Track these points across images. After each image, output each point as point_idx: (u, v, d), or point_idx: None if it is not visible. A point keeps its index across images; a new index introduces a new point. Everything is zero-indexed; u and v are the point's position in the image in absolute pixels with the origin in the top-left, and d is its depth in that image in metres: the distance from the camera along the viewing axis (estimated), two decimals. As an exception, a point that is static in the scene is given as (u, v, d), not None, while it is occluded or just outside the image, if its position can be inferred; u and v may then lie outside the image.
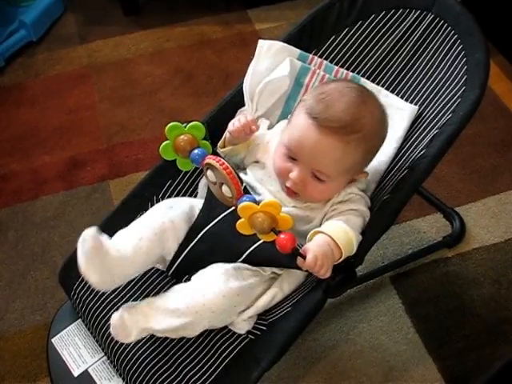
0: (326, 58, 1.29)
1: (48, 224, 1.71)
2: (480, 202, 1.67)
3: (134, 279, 1.18)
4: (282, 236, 0.94)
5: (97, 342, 1.18)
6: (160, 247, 1.10)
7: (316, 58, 1.27)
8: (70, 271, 1.23)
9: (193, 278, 1.08)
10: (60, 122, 1.99)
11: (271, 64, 1.24)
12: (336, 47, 1.29)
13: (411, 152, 1.15)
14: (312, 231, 1.04)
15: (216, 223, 1.12)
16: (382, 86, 1.25)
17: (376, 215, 1.08)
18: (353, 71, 1.28)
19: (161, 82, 2.09)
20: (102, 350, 1.17)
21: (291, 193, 1.10)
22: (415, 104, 1.21)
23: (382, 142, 1.12)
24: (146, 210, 1.23)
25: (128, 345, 1.11)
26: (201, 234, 1.12)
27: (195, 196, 1.26)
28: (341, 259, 1.01)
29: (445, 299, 1.48)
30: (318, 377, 1.37)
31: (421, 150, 1.12)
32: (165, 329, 1.04)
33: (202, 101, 2.01)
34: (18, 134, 1.96)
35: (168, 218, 1.10)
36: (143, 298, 1.16)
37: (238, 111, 1.27)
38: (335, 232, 1.01)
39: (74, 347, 1.19)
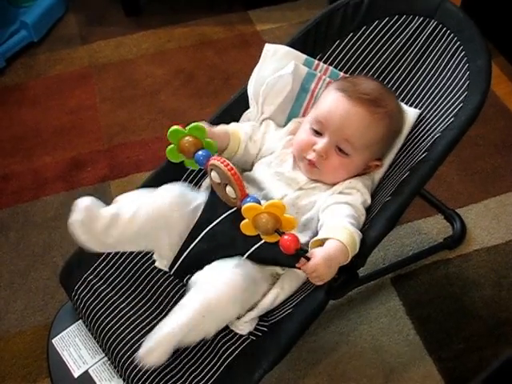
0: (330, 63, 1.30)
1: (49, 224, 1.71)
2: (481, 203, 1.67)
3: (136, 280, 1.18)
4: (285, 237, 0.94)
5: (97, 342, 1.18)
6: (152, 230, 1.10)
7: (322, 63, 1.28)
8: (70, 272, 1.23)
9: (197, 277, 1.07)
10: (61, 123, 1.99)
11: (276, 68, 1.25)
12: (341, 52, 1.30)
13: (413, 154, 1.16)
14: (315, 238, 1.03)
15: (218, 222, 1.12)
16: (386, 90, 1.26)
17: (377, 217, 1.08)
18: (357, 76, 1.28)
19: (162, 83, 2.10)
20: (103, 350, 1.17)
21: (311, 166, 1.13)
22: (418, 108, 1.21)
23: (398, 133, 1.18)
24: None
25: (129, 346, 1.11)
26: (203, 233, 1.12)
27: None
28: (346, 262, 1.01)
29: (445, 301, 1.48)
30: (319, 378, 1.37)
31: (422, 153, 1.13)
32: (182, 324, 1.00)
33: (202, 101, 2.01)
34: (18, 135, 1.97)
35: (170, 208, 1.10)
36: (145, 299, 1.16)
37: (244, 114, 1.27)
38: (343, 235, 1.01)
39: (75, 348, 1.19)
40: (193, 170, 1.26)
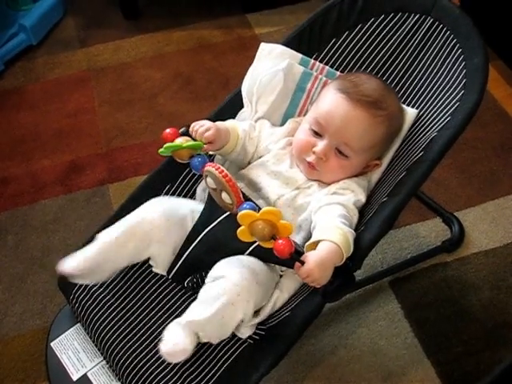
0: (326, 62, 1.30)
1: (47, 228, 1.71)
2: (479, 206, 1.67)
3: (135, 283, 1.18)
4: (279, 241, 0.93)
5: (95, 346, 1.18)
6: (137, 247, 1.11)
7: (318, 63, 1.28)
8: (69, 275, 1.23)
9: (214, 272, 1.06)
10: (59, 126, 1.99)
11: (271, 67, 1.24)
12: (337, 50, 1.30)
13: (409, 154, 1.16)
14: (309, 242, 1.03)
15: (216, 225, 1.12)
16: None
17: (374, 219, 1.08)
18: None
19: (160, 86, 2.10)
20: (101, 354, 1.17)
21: (311, 168, 1.14)
22: (414, 107, 1.21)
23: (398, 133, 1.18)
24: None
25: (126, 349, 1.11)
26: (201, 236, 1.12)
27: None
28: (341, 262, 1.01)
29: (444, 304, 1.48)
30: (317, 381, 1.37)
31: (419, 153, 1.12)
32: (207, 317, 1.00)
33: (201, 105, 2.01)
34: (17, 138, 1.97)
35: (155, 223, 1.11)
36: (143, 302, 1.16)
37: (239, 113, 1.27)
38: (336, 235, 1.01)
39: (73, 351, 1.19)
40: (187, 174, 1.27)
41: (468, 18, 1.16)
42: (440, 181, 1.72)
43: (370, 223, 1.08)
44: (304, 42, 1.29)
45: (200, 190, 1.25)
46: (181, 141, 1.10)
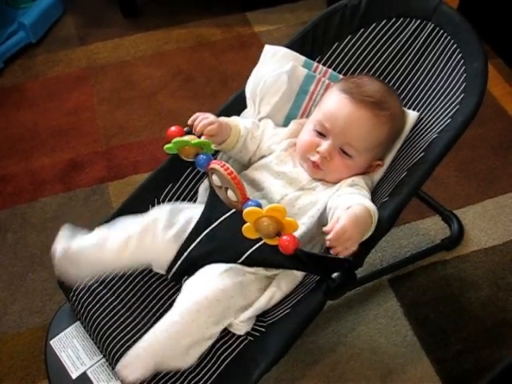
0: (329, 65, 1.31)
1: (47, 226, 1.71)
2: (478, 204, 1.68)
3: (134, 282, 1.18)
4: (284, 237, 0.94)
5: (95, 344, 1.18)
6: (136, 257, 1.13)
7: (321, 66, 1.29)
8: (69, 273, 1.23)
9: (186, 283, 1.08)
10: (59, 124, 1.99)
11: (275, 69, 1.25)
12: (339, 54, 1.31)
13: (410, 155, 1.17)
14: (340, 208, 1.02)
15: (216, 225, 1.12)
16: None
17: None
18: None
19: (160, 84, 2.10)
20: (101, 352, 1.17)
21: (316, 167, 1.14)
22: (416, 110, 1.22)
23: (400, 134, 1.19)
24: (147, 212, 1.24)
25: (126, 348, 1.11)
26: (201, 237, 1.12)
27: (195, 200, 1.27)
28: (368, 235, 1.01)
29: (443, 301, 1.48)
30: (317, 379, 1.37)
31: (419, 154, 1.13)
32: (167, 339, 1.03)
33: (200, 103, 2.01)
34: (16, 136, 1.96)
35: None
36: (143, 301, 1.16)
37: (241, 114, 1.27)
38: (366, 203, 1.02)
39: (73, 349, 1.19)
40: (189, 173, 1.26)
41: (468, 23, 1.18)
42: (439, 179, 1.72)
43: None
44: (307, 45, 1.30)
45: (202, 189, 1.25)
46: (188, 138, 1.10)
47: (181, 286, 1.14)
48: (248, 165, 1.24)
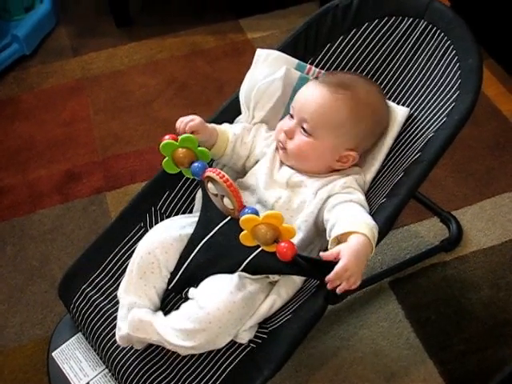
0: (322, 66, 1.30)
1: (45, 237, 1.70)
2: (476, 205, 1.68)
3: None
4: (282, 244, 0.94)
5: (97, 355, 1.18)
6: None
7: (313, 67, 1.28)
8: (68, 284, 1.23)
9: (196, 293, 1.08)
10: (55, 135, 1.98)
11: (268, 73, 1.25)
12: (332, 55, 1.30)
13: (406, 155, 1.16)
14: (339, 232, 1.01)
15: (213, 234, 1.11)
16: (377, 92, 1.26)
17: (374, 220, 1.08)
18: (348, 78, 1.29)
19: (155, 93, 2.10)
20: (103, 363, 1.17)
21: (281, 149, 1.17)
22: (410, 109, 1.21)
23: (381, 128, 1.18)
24: (145, 221, 1.25)
25: (128, 357, 1.11)
26: (199, 246, 1.11)
27: (193, 207, 1.27)
28: (368, 259, 1.00)
29: (444, 303, 1.48)
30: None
31: (416, 154, 1.13)
32: (176, 345, 1.04)
33: (196, 110, 1.96)
34: (13, 148, 1.96)
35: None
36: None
37: (236, 120, 1.27)
38: (366, 230, 1.00)
39: (75, 361, 1.19)
40: (186, 180, 1.27)
41: (461, 19, 1.17)
42: (436, 180, 1.73)
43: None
44: (299, 47, 1.30)
45: (199, 197, 1.25)
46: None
47: (181, 298, 1.14)
48: (243, 171, 1.24)
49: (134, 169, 1.85)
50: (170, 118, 1.98)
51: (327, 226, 1.07)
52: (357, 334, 1.44)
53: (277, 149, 1.20)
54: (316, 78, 1.25)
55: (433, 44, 1.21)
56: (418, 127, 1.18)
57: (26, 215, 1.76)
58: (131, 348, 1.12)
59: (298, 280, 1.12)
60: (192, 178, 1.18)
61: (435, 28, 1.20)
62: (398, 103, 1.23)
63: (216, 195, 1.04)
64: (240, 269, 1.08)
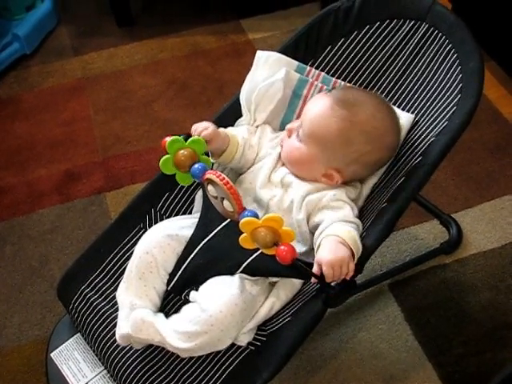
0: (322, 68, 1.30)
1: (45, 237, 1.70)
2: (476, 207, 1.68)
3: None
4: (281, 247, 0.94)
5: (96, 356, 1.18)
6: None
7: (313, 69, 1.28)
8: (67, 285, 1.23)
9: (197, 296, 1.08)
10: (55, 135, 1.98)
11: (268, 75, 1.24)
12: (333, 57, 1.30)
13: (407, 159, 1.16)
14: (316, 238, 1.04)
15: (213, 236, 1.12)
16: (379, 95, 1.26)
17: (374, 224, 1.08)
18: (349, 81, 1.29)
19: (155, 93, 2.10)
20: (102, 364, 1.17)
21: (280, 147, 1.19)
22: (411, 112, 1.21)
23: (374, 157, 1.14)
24: (144, 222, 1.24)
25: (127, 358, 1.11)
26: (198, 248, 1.12)
27: (192, 209, 1.27)
28: (354, 260, 1.01)
29: (443, 305, 1.48)
30: (319, 386, 1.37)
31: (417, 157, 1.13)
32: (177, 347, 1.04)
33: (197, 111, 2.01)
34: (13, 148, 1.96)
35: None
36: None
37: (237, 122, 1.27)
38: (340, 231, 1.02)
39: (74, 361, 1.19)
40: None
41: (462, 23, 1.16)
42: (437, 183, 1.72)
43: (371, 229, 1.08)
44: (300, 49, 1.30)
45: (198, 199, 1.25)
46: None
47: (181, 300, 1.14)
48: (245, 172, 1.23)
49: (134, 169, 1.85)
50: (170, 118, 2.00)
51: (315, 243, 1.06)
52: (356, 336, 1.44)
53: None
54: (316, 80, 1.26)
55: (434, 47, 1.20)
56: (419, 131, 1.18)
57: (25, 215, 1.76)
58: (130, 349, 1.12)
59: (296, 282, 1.12)
60: (183, 184, 1.17)
61: (437, 31, 1.20)
62: (398, 106, 1.23)
63: (216, 197, 1.04)
64: (239, 270, 1.08)
